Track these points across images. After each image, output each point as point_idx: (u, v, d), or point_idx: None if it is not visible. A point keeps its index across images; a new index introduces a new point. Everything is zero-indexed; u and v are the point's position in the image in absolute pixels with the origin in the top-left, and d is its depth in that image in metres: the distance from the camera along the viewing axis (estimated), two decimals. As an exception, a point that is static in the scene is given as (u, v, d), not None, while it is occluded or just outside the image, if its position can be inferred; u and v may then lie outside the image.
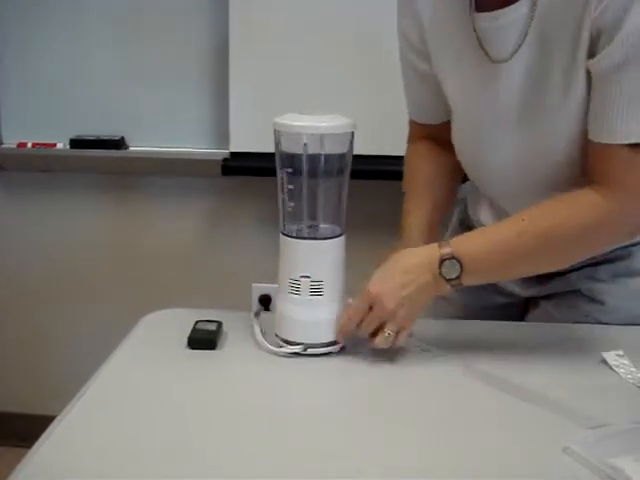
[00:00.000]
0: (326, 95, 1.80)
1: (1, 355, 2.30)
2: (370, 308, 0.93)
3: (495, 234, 0.97)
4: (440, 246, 0.93)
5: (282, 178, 0.99)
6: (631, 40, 0.86)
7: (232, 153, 1.96)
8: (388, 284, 0.94)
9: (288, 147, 0.98)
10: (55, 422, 0.79)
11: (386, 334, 0.92)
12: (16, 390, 2.33)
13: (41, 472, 0.70)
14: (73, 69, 2.06)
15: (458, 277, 0.92)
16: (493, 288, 1.17)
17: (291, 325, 0.98)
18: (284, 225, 0.99)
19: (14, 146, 2.10)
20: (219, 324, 1.03)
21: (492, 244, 0.95)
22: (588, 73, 0.92)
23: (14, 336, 2.29)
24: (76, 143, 2.07)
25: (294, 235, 0.98)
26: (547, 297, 1.17)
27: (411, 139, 1.23)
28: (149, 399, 0.86)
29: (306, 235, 0.99)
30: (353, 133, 0.97)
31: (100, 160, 2.06)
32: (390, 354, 0.96)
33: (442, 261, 0.92)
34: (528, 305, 1.21)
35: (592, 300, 1.11)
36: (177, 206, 2.14)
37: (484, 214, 1.18)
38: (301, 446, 0.76)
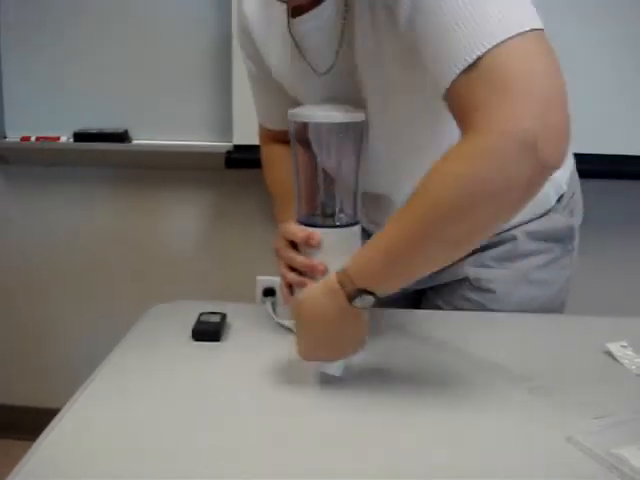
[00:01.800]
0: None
1: (5, 347, 2.31)
2: None
3: (389, 239, 0.80)
4: (342, 284, 0.80)
5: (297, 168, 0.99)
6: None
7: (236, 146, 1.96)
8: (320, 352, 0.87)
9: (305, 137, 0.97)
10: (59, 415, 0.80)
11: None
12: (21, 383, 2.33)
13: (45, 466, 0.71)
14: (76, 62, 2.06)
15: (376, 299, 0.80)
16: None
17: None
18: (300, 214, 0.98)
19: (18, 140, 2.10)
20: (223, 316, 1.03)
21: (389, 252, 0.79)
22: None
23: (18, 329, 2.30)
24: (80, 137, 2.06)
25: (310, 223, 0.96)
26: (436, 289, 1.16)
27: (264, 142, 1.26)
28: (154, 391, 0.86)
29: (322, 223, 0.98)
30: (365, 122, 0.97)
31: (104, 153, 2.06)
32: (396, 350, 0.96)
33: (351, 299, 0.80)
34: (421, 298, 1.21)
35: (482, 290, 1.10)
36: (181, 199, 2.14)
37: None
38: (303, 442, 0.76)
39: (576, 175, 1.18)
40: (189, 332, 0.99)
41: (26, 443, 0.75)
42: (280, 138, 1.17)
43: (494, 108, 0.71)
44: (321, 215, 0.99)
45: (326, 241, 0.95)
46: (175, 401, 0.83)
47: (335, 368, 0.89)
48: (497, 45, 0.71)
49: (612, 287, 2.00)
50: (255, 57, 1.11)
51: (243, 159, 1.94)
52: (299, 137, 0.98)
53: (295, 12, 0.97)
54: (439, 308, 1.16)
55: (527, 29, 0.72)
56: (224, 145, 1.99)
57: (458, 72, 0.73)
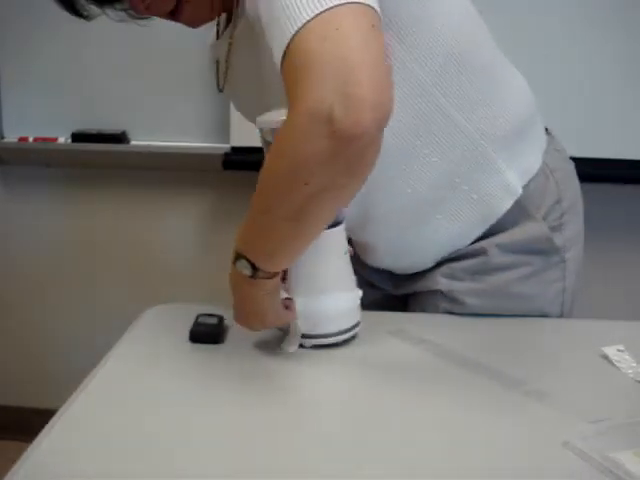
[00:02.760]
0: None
1: (2, 349, 2.31)
2: None
3: (249, 212, 0.86)
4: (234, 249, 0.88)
5: None
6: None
7: (233, 147, 1.96)
8: (236, 316, 0.94)
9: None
10: (56, 416, 0.79)
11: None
12: (17, 383, 2.33)
13: (42, 468, 0.71)
14: (74, 63, 2.06)
15: (255, 268, 0.85)
16: (365, 282, 1.16)
17: (306, 318, 0.96)
18: None
19: (15, 140, 2.10)
20: (220, 318, 1.03)
21: (251, 221, 0.86)
22: None
23: (16, 330, 2.30)
24: (77, 137, 2.06)
25: None
26: (415, 297, 1.17)
27: None
28: (151, 393, 0.86)
29: None
30: None
31: (101, 154, 2.06)
32: (390, 353, 0.96)
33: (235, 262, 0.87)
34: (402, 303, 1.21)
35: (455, 302, 1.10)
36: (178, 200, 2.15)
37: None
38: (303, 444, 0.76)
39: (571, 181, 1.15)
40: (186, 334, 0.99)
41: (20, 444, 0.75)
42: None
43: (298, 88, 0.71)
44: None
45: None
46: (173, 403, 0.83)
47: (290, 345, 0.97)
48: (301, 27, 0.71)
49: (609, 290, 2.00)
50: None
51: (240, 161, 1.94)
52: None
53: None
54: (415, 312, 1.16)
55: (331, 5, 0.70)
56: (222, 147, 1.99)
57: (279, 63, 0.74)
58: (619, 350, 0.96)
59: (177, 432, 0.76)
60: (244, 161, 1.92)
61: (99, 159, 2.09)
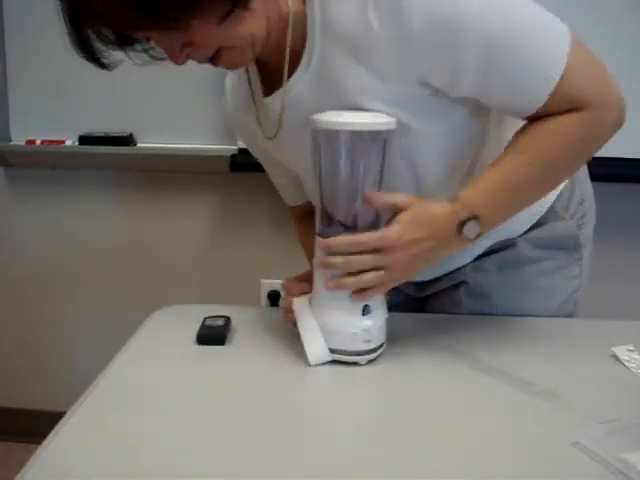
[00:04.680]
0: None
1: (7, 350, 2.31)
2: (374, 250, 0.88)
3: (505, 175, 0.92)
4: (456, 211, 0.89)
5: (321, 179, 0.93)
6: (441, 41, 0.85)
7: (240, 149, 1.96)
8: (407, 235, 0.88)
9: (330, 146, 0.91)
10: (64, 419, 0.79)
11: (369, 276, 0.89)
12: (23, 386, 2.34)
13: (50, 469, 0.71)
14: (81, 66, 2.05)
15: (479, 234, 0.90)
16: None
17: (341, 334, 0.93)
18: (321, 227, 0.93)
19: (23, 143, 2.10)
20: (227, 320, 1.03)
21: (505, 188, 0.91)
22: None
23: (22, 332, 2.30)
24: (85, 140, 2.06)
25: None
26: (435, 296, 1.17)
27: (293, 220, 1.29)
28: (159, 395, 0.86)
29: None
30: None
31: (109, 157, 2.06)
32: (401, 353, 0.96)
33: (462, 225, 0.89)
34: (423, 306, 1.21)
35: (479, 296, 1.11)
36: (185, 202, 2.14)
37: None
38: (305, 445, 0.76)
39: (588, 182, 1.18)
40: (193, 336, 0.99)
41: (27, 445, 0.75)
42: (305, 212, 1.22)
43: (601, 95, 0.91)
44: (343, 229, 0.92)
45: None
46: (179, 405, 0.83)
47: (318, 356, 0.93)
48: (567, 58, 0.88)
49: (618, 290, 1.99)
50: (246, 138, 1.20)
51: (248, 162, 1.92)
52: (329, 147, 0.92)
53: (268, 88, 1.02)
54: (436, 312, 1.16)
55: (568, 35, 0.89)
56: (229, 148, 1.99)
57: (549, 95, 0.88)
58: (629, 350, 0.95)
59: (183, 435, 0.76)
60: (251, 163, 1.89)
61: (106, 161, 2.09)
